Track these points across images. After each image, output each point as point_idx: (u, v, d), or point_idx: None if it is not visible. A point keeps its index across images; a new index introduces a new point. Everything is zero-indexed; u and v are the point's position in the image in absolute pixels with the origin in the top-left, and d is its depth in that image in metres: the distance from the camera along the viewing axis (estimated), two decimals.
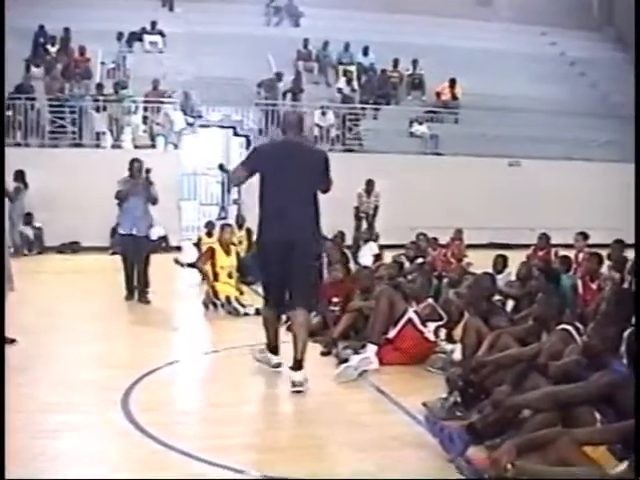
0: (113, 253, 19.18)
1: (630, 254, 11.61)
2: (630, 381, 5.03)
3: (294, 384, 7.29)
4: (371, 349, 8.22)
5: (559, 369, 5.84)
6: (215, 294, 11.61)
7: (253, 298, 11.89)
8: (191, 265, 14.22)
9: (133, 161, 12.66)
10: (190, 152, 24.50)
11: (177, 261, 14.91)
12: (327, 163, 7.69)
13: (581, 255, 12.40)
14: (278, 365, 7.96)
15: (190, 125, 22.56)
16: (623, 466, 4.43)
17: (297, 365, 7.39)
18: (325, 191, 7.74)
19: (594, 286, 10.39)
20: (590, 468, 4.13)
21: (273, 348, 8.00)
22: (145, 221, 12.60)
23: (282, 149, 7.91)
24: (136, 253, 12.52)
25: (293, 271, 7.45)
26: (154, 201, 12.57)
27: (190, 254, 16.26)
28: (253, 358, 8.17)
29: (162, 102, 22.16)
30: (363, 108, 24.18)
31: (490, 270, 10.13)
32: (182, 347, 9.84)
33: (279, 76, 23.98)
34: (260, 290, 8.79)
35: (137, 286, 12.52)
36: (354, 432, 6.25)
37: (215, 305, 11.56)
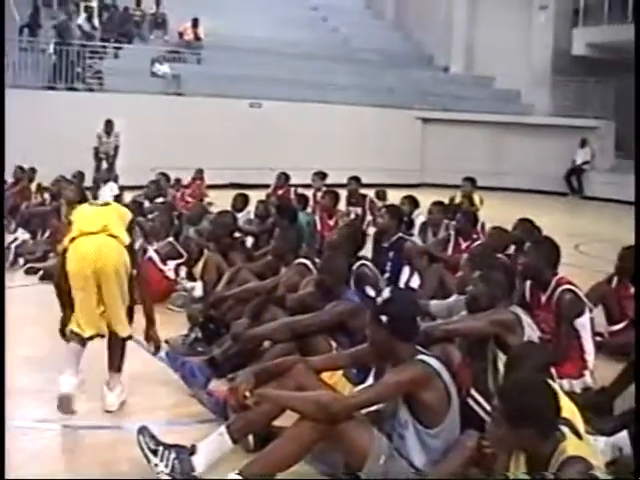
0: None
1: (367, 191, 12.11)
2: (361, 310, 5.24)
3: None
4: None
5: (295, 301, 6.01)
6: None
7: None
8: None
9: None
10: None
11: None
12: None
13: (319, 194, 12.73)
14: None
15: None
16: (358, 389, 4.63)
17: None
18: None
19: (331, 222, 10.77)
20: (326, 392, 4.27)
21: None
22: None
23: None
24: None
25: None
26: None
27: None
28: None
29: None
30: (104, 46, 23.43)
31: (227, 209, 10.17)
32: None
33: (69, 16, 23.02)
34: None
35: None
36: (97, 371, 6.14)
37: None
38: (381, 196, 13.65)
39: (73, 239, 5.37)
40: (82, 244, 5.33)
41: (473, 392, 4.66)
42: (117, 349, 5.63)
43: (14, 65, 21.20)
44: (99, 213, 5.67)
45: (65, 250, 5.41)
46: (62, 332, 5.69)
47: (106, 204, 6.04)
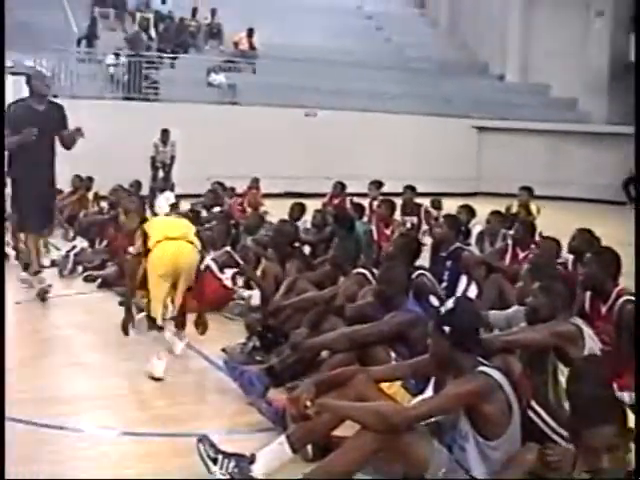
0: None
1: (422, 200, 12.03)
2: (420, 320, 5.23)
3: None
4: None
5: (354, 310, 6.00)
6: None
7: None
8: None
9: None
10: None
11: None
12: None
13: (375, 203, 12.71)
14: None
15: None
16: (417, 399, 4.61)
17: None
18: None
19: (388, 232, 10.74)
20: (387, 403, 4.27)
21: None
22: None
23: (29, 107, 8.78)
24: None
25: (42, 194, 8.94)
26: None
27: None
28: None
29: None
30: (160, 57, 23.71)
31: (286, 218, 10.21)
32: None
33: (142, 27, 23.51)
34: None
35: None
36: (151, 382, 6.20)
37: None
38: (436, 205, 13.61)
39: (158, 242, 6.45)
40: (167, 246, 6.46)
41: (533, 404, 4.62)
42: (181, 314, 6.79)
43: (71, 75, 21.52)
44: (178, 223, 7.04)
45: (149, 251, 6.45)
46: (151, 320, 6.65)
47: (178, 217, 7.09)
